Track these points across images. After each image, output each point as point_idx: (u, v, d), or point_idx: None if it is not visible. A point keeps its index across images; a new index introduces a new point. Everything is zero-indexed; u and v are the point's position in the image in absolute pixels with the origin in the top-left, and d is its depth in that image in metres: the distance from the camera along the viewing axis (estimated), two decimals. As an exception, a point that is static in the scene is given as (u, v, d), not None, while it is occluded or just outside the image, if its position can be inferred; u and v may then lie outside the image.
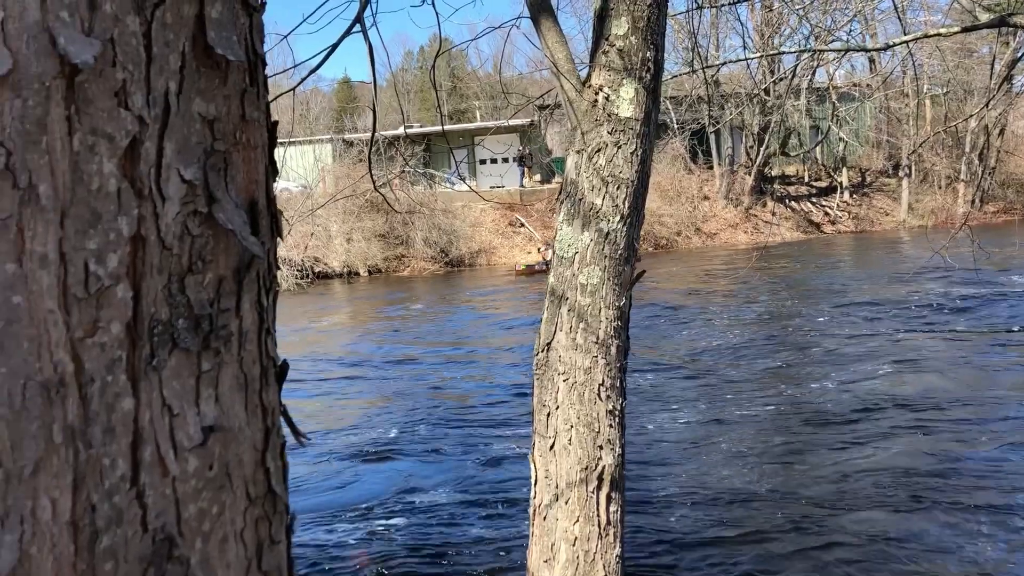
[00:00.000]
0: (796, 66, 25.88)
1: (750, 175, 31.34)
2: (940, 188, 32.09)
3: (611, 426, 3.28)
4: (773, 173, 33.17)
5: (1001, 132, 30.24)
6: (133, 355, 0.64)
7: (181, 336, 0.68)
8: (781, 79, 26.87)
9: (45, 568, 0.59)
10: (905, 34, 6.49)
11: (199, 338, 0.69)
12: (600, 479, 3.25)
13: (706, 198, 31.48)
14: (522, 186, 31.43)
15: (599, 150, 3.19)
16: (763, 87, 25.88)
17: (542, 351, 3.35)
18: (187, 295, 0.68)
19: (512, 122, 28.68)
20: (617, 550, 3.31)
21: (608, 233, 3.20)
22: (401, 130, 26.27)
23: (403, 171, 28.23)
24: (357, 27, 3.32)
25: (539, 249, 26.22)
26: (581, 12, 35.81)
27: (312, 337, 16.64)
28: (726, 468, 7.81)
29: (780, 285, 19.36)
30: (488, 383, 12.02)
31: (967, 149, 30.85)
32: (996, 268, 17.28)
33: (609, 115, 3.18)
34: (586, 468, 3.24)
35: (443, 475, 8.13)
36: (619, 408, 3.33)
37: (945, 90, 29.33)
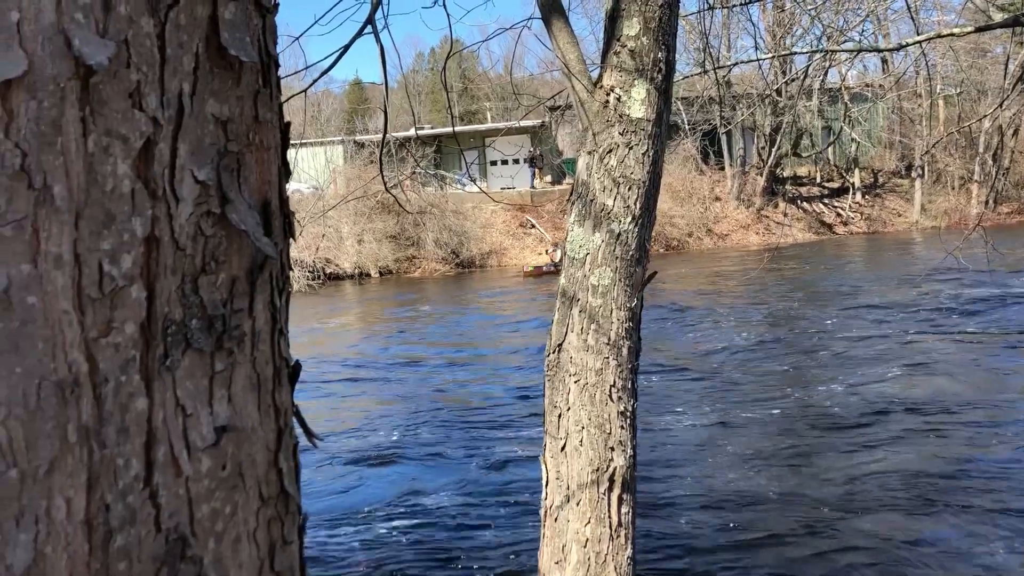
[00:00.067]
0: (808, 66, 25.74)
1: (762, 176, 31.21)
2: (953, 189, 31.86)
3: (622, 427, 3.27)
4: (785, 174, 33.03)
5: (1015, 132, 29.97)
6: (147, 355, 0.65)
7: (194, 336, 0.68)
8: (793, 79, 26.73)
9: (59, 567, 0.60)
10: (918, 34, 6.45)
11: (212, 338, 0.70)
12: (612, 480, 3.24)
13: (717, 199, 31.38)
14: (533, 187, 31.40)
15: (610, 151, 3.18)
16: (775, 88, 25.76)
17: (553, 352, 3.35)
18: (200, 295, 0.68)
19: (523, 123, 28.65)
20: (629, 552, 3.30)
21: (619, 234, 3.19)
22: (412, 131, 26.29)
23: (414, 172, 28.29)
24: (369, 29, 3.33)
25: (547, 251, 26.19)
26: (592, 13, 35.75)
27: (321, 338, 16.69)
28: (735, 471, 7.78)
29: (791, 287, 19.27)
30: (494, 385, 12.01)
31: (981, 149, 30.60)
32: (1009, 270, 17.15)
33: (621, 116, 3.17)
34: (597, 469, 3.23)
35: (449, 478, 8.10)
36: (630, 409, 3.32)
37: (958, 90, 29.08)
